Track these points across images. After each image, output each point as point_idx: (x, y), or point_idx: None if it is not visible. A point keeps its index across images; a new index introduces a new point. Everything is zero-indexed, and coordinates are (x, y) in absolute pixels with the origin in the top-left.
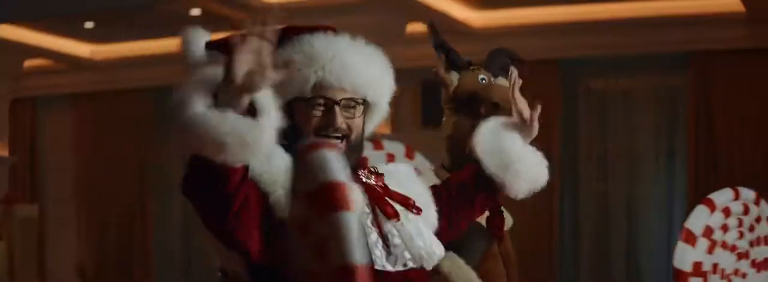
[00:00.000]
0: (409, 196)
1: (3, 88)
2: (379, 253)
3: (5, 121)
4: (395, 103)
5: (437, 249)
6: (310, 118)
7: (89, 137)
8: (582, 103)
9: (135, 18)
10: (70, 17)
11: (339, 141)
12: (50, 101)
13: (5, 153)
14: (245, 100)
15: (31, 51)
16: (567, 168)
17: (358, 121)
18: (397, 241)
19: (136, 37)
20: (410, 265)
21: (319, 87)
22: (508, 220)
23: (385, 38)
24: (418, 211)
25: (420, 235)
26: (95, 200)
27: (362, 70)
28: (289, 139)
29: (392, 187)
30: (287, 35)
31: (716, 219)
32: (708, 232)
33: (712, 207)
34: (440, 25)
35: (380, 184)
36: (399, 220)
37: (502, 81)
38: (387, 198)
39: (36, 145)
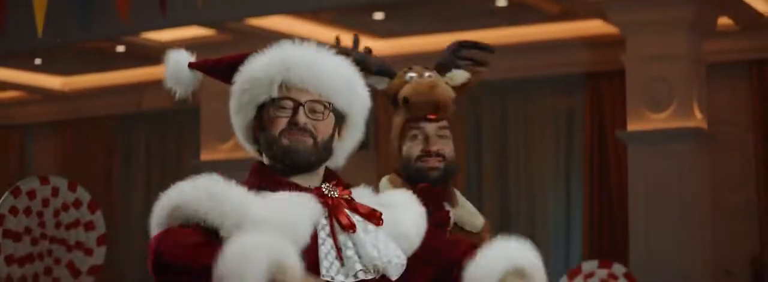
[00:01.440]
0: (379, 210)
1: None
2: (328, 264)
3: None
4: None
5: (396, 258)
6: (276, 118)
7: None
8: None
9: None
10: (358, 9)
11: (307, 137)
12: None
13: None
14: None
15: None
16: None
17: (324, 125)
18: (350, 252)
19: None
20: (361, 276)
21: (285, 89)
22: (479, 220)
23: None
24: (379, 221)
25: (375, 245)
26: None
27: (329, 75)
28: (259, 141)
29: (386, 216)
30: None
31: None
32: None
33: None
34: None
35: (345, 196)
36: (354, 231)
37: (454, 76)
38: (347, 210)
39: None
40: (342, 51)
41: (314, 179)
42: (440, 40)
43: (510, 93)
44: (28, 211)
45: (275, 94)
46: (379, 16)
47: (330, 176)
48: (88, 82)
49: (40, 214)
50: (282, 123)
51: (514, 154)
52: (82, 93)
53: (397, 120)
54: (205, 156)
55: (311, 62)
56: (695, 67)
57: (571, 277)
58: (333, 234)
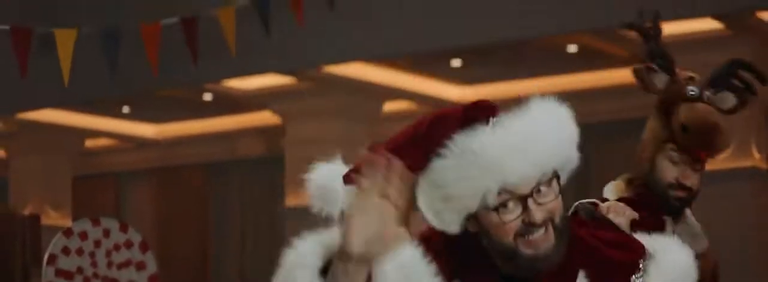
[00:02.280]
0: None
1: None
2: None
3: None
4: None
5: None
6: (503, 224)
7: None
8: None
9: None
10: (435, 56)
11: (549, 234)
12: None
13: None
14: (363, 276)
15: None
16: None
17: (556, 203)
18: None
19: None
20: None
21: (506, 189)
22: (700, 244)
23: None
24: None
25: None
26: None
27: (547, 147)
28: (485, 239)
29: None
30: (434, 137)
31: None
32: None
33: None
34: None
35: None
36: None
37: (725, 98)
38: None
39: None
40: (637, 28)
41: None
42: (514, 87)
43: (592, 137)
44: (80, 252)
45: (494, 203)
46: (456, 63)
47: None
48: (180, 130)
49: (92, 255)
50: (513, 226)
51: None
52: (174, 141)
53: (658, 126)
54: (290, 202)
55: (521, 148)
56: (753, 108)
57: None
58: None
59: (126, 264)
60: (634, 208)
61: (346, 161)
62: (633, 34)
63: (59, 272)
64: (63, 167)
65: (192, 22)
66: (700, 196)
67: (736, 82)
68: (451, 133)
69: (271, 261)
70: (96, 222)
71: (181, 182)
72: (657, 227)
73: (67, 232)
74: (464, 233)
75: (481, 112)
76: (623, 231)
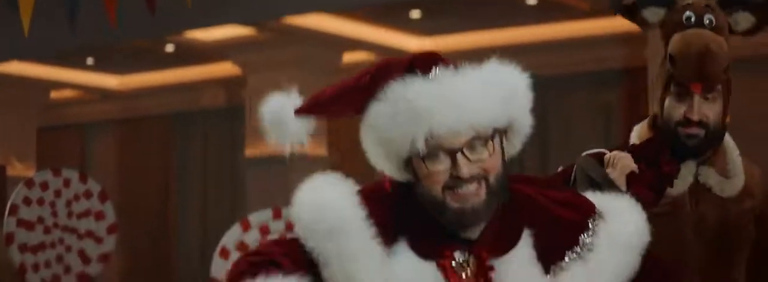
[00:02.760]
0: None
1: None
2: None
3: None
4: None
5: None
6: (432, 173)
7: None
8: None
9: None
10: (395, 7)
11: (474, 189)
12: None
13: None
14: None
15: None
16: None
17: (492, 161)
18: None
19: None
20: None
21: (433, 139)
22: (735, 184)
23: None
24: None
25: None
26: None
27: (481, 106)
28: (416, 196)
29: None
30: (376, 82)
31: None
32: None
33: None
34: None
35: (484, 274)
36: None
37: (739, 19)
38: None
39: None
40: None
41: (474, 230)
42: (474, 39)
43: (548, 90)
44: (40, 202)
45: (422, 151)
46: (415, 14)
47: (491, 228)
48: (143, 81)
49: (52, 205)
50: (442, 178)
51: (554, 149)
52: (138, 92)
53: (663, 62)
54: (250, 152)
55: (452, 102)
56: None
57: None
58: None
59: (85, 214)
60: (642, 154)
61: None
62: None
63: (21, 222)
64: (28, 119)
65: None
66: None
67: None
68: (392, 81)
69: (232, 209)
70: (57, 172)
71: (144, 133)
72: (661, 177)
73: (29, 183)
74: (405, 194)
75: (425, 63)
76: (574, 190)
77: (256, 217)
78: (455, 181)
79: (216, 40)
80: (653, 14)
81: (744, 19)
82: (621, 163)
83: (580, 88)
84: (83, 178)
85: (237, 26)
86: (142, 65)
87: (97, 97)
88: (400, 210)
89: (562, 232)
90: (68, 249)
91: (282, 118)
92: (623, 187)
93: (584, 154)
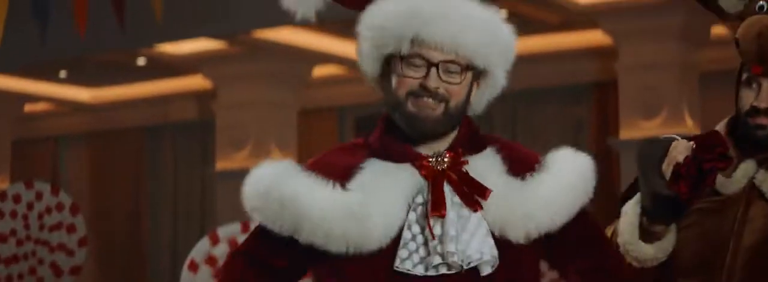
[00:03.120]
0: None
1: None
2: (405, 253)
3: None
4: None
5: (475, 253)
6: (404, 78)
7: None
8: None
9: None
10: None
11: (433, 103)
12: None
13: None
14: None
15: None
16: None
17: (458, 89)
18: (435, 242)
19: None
20: (443, 270)
21: (417, 44)
22: None
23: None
24: (475, 207)
25: (456, 237)
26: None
27: (468, 31)
28: (385, 99)
29: (519, 192)
30: None
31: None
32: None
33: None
34: None
35: (457, 169)
36: (443, 215)
37: (728, 3)
38: (450, 187)
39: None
40: None
41: (441, 144)
42: None
43: (519, 102)
44: (13, 214)
45: (405, 50)
46: None
47: (462, 138)
48: (115, 94)
49: (25, 217)
50: (410, 84)
51: None
52: (110, 105)
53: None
54: (221, 165)
55: (446, 15)
56: (687, 75)
57: None
58: (427, 217)
59: (57, 226)
60: (698, 145)
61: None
62: (562, 0)
63: None
64: (2, 131)
65: None
66: (631, 166)
67: None
68: None
69: (202, 222)
70: (29, 185)
71: (117, 146)
72: (699, 173)
73: (1, 195)
74: (388, 119)
75: None
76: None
77: (224, 231)
78: (421, 89)
79: (187, 54)
80: (731, 5)
81: None
82: (673, 153)
83: (550, 102)
84: (55, 191)
85: (208, 40)
86: (114, 78)
87: (69, 109)
88: (371, 144)
89: (521, 162)
90: (40, 262)
91: None
92: (667, 178)
93: (662, 137)
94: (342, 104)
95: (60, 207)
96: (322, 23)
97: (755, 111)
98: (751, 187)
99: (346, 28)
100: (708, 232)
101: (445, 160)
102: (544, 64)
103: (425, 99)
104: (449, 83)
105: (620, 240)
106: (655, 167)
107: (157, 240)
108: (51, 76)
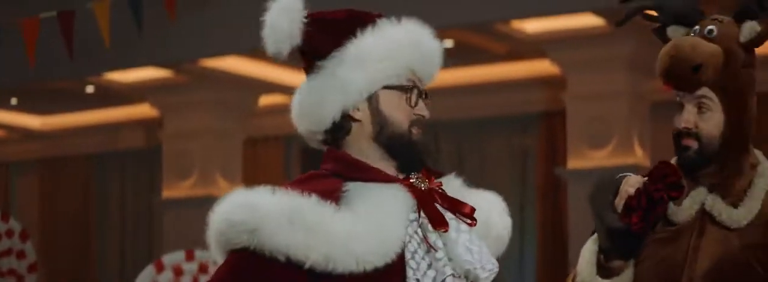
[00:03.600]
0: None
1: None
2: (414, 264)
3: None
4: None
5: (489, 265)
6: (403, 107)
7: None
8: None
9: None
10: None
11: (424, 131)
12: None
13: None
14: None
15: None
16: None
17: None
18: (440, 253)
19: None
20: (450, 281)
21: (412, 75)
22: (745, 214)
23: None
24: (472, 221)
25: (469, 248)
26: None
27: (439, 60)
28: (379, 127)
29: (479, 216)
30: (359, 21)
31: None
32: None
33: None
34: None
35: (436, 187)
36: (447, 229)
37: (746, 26)
38: (438, 205)
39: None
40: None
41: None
42: None
43: (467, 132)
44: None
45: (406, 81)
46: None
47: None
48: (65, 122)
49: None
50: (409, 114)
51: None
52: (60, 132)
53: None
54: (167, 193)
55: (438, 53)
56: (637, 104)
57: None
58: (423, 232)
59: (7, 252)
60: (650, 177)
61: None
62: (510, 29)
63: None
64: None
65: (69, 16)
66: (583, 192)
67: (760, 9)
68: (374, 19)
69: (149, 250)
70: None
71: (66, 173)
72: (650, 203)
73: None
74: (342, 152)
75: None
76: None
77: (169, 259)
78: (419, 119)
79: (134, 82)
80: (679, 35)
81: (748, 29)
82: (625, 187)
83: (497, 132)
84: (5, 217)
85: (154, 68)
86: (64, 106)
87: (20, 136)
88: (338, 172)
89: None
90: None
91: (278, 23)
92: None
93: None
94: (288, 133)
95: (10, 233)
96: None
97: (680, 133)
98: (703, 214)
99: (291, 58)
100: (662, 262)
101: (425, 180)
102: (492, 94)
103: (420, 128)
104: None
105: (579, 279)
106: (607, 203)
107: (105, 267)
108: (2, 104)
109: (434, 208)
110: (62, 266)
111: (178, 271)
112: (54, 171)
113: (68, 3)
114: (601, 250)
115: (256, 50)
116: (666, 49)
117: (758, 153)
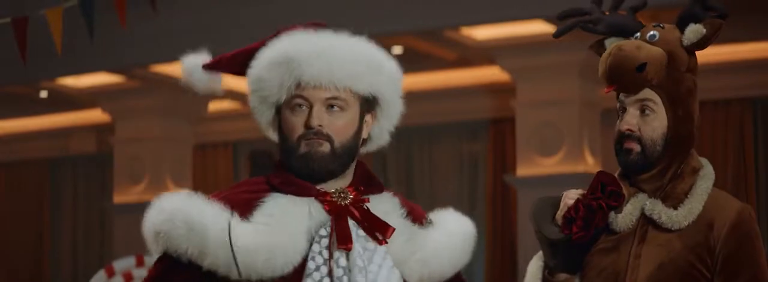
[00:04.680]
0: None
1: None
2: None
3: None
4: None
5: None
6: (292, 122)
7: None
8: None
9: None
10: None
11: (323, 141)
12: None
13: None
14: None
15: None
16: None
17: (345, 122)
18: (340, 272)
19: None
20: None
21: (298, 87)
22: (684, 217)
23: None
24: (382, 240)
25: (364, 268)
26: None
27: (343, 64)
28: (280, 146)
29: (419, 239)
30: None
31: None
32: None
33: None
34: None
35: (358, 205)
36: (349, 248)
37: (690, 30)
38: (353, 221)
39: None
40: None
41: (340, 183)
42: None
43: (415, 139)
44: None
45: (285, 96)
46: None
47: (360, 178)
48: (18, 126)
49: None
50: (299, 127)
51: (419, 199)
52: (13, 137)
53: None
54: (118, 198)
55: (321, 54)
56: (587, 112)
57: None
58: (329, 249)
59: None
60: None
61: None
62: (459, 36)
63: None
64: None
65: (22, 22)
66: (528, 203)
67: (702, 12)
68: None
69: (101, 255)
70: None
71: (19, 178)
72: (588, 213)
73: None
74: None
75: (307, 26)
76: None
77: (120, 264)
78: (306, 130)
79: (86, 87)
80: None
81: (692, 32)
82: (565, 200)
83: (446, 139)
84: None
85: (106, 73)
86: (18, 110)
87: None
88: (271, 181)
89: (413, 211)
90: None
91: (193, 72)
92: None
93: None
94: (237, 139)
95: None
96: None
97: (623, 136)
98: (646, 220)
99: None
100: (604, 271)
101: (348, 196)
102: (441, 101)
103: (311, 138)
104: (332, 121)
105: None
106: (548, 218)
107: (58, 271)
108: None
109: (344, 225)
110: (16, 270)
111: (128, 277)
112: (8, 175)
113: (21, 9)
114: (547, 265)
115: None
116: (608, 50)
117: (704, 160)
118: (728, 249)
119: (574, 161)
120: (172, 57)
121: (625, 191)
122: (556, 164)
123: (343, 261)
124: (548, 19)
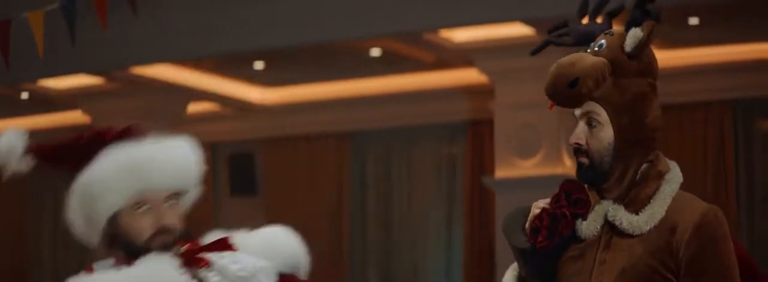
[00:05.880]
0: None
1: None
2: None
3: None
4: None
5: (259, 262)
6: (138, 225)
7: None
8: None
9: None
10: (239, 58)
11: (173, 236)
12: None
13: None
14: None
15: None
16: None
17: (181, 212)
18: (215, 278)
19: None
20: None
21: (143, 192)
22: (646, 222)
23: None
24: (229, 247)
25: (235, 261)
26: None
27: (180, 168)
28: (123, 248)
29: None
30: (94, 146)
31: None
32: None
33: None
34: None
35: (190, 246)
36: (209, 265)
37: (630, 34)
38: (195, 253)
39: None
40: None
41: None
42: (318, 90)
43: (394, 141)
44: None
45: (130, 203)
46: (259, 65)
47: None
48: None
49: None
50: (147, 229)
51: (398, 202)
52: None
53: None
54: None
55: (164, 164)
56: (566, 114)
57: None
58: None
59: None
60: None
61: None
62: (437, 38)
63: None
64: None
65: (5, 25)
66: (510, 202)
67: (642, 17)
68: (107, 145)
69: (82, 259)
70: None
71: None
72: (553, 221)
73: None
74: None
75: (133, 133)
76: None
77: (100, 266)
78: (161, 229)
79: (66, 89)
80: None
81: (631, 37)
82: (534, 210)
83: (424, 141)
84: None
85: (86, 75)
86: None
87: None
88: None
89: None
90: None
91: (11, 152)
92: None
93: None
94: (216, 140)
95: None
96: (199, 60)
97: (573, 150)
98: (609, 226)
99: (221, 66)
100: (572, 278)
101: (180, 248)
102: (419, 103)
103: (166, 237)
104: (176, 215)
105: None
106: (518, 227)
107: (40, 273)
108: None
109: (191, 254)
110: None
111: None
112: None
113: (4, 12)
114: (520, 277)
115: (185, 58)
116: (552, 67)
117: (672, 163)
118: (691, 252)
119: (552, 163)
120: (152, 59)
121: (591, 199)
122: (534, 166)
123: (210, 274)
124: (526, 22)
